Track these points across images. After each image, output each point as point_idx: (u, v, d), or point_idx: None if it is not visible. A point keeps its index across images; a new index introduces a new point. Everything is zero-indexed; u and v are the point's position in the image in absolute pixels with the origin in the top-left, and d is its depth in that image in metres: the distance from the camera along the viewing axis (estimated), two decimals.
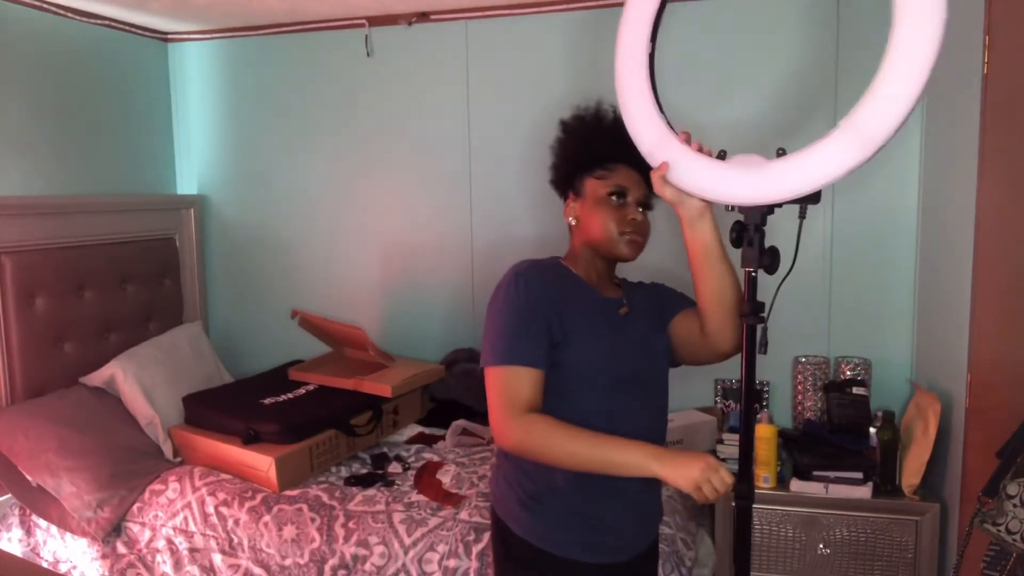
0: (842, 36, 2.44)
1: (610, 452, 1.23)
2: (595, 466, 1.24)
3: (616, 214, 1.39)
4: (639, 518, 1.42)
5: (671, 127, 1.31)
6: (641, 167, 1.39)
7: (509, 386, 1.28)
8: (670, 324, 1.46)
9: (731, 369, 2.62)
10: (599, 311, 1.39)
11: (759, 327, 1.24)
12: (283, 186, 3.07)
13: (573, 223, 1.46)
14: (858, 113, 1.09)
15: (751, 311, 1.22)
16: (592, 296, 1.41)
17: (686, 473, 1.17)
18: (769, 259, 1.22)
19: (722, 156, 1.23)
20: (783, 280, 1.29)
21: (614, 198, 1.40)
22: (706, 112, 2.52)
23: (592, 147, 1.44)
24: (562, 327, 1.32)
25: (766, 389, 2.60)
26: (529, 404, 1.28)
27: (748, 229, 1.21)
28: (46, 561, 2.25)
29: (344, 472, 2.35)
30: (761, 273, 1.24)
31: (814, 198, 1.17)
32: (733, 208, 1.25)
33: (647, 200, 1.43)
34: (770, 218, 1.23)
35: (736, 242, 1.23)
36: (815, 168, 1.13)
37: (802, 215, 1.21)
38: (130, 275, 2.75)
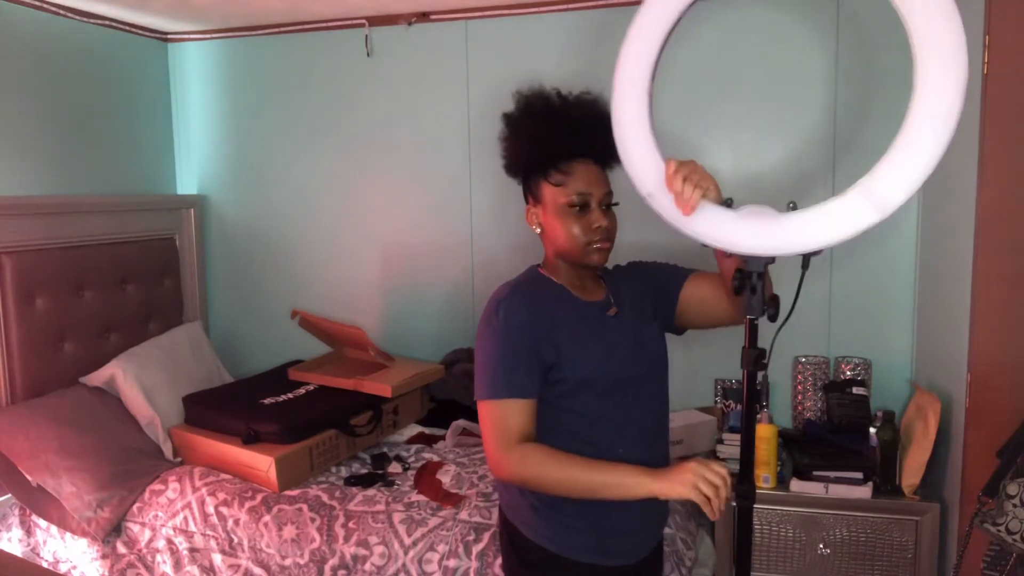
0: (842, 45, 2.44)
1: (605, 475, 1.25)
2: (594, 489, 1.26)
3: (580, 222, 1.33)
4: (647, 520, 1.43)
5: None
6: (598, 158, 1.34)
7: (500, 420, 1.29)
8: (680, 297, 1.43)
9: (731, 369, 2.66)
10: (587, 319, 1.38)
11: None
12: (283, 186, 3.07)
13: (538, 231, 1.42)
14: (875, 179, 1.07)
15: (754, 360, 1.19)
16: (578, 305, 1.39)
17: (679, 477, 1.19)
18: (773, 308, 1.19)
19: (728, 203, 1.21)
20: (781, 327, 1.23)
21: (576, 208, 1.34)
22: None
23: (543, 146, 1.36)
24: (553, 347, 1.31)
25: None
26: (521, 435, 1.29)
27: (751, 277, 1.19)
28: (46, 561, 2.25)
29: (344, 472, 2.35)
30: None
31: (818, 251, 1.15)
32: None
33: (610, 198, 1.37)
34: None
35: (738, 290, 1.20)
36: (827, 227, 1.11)
37: (804, 266, 1.18)
38: (130, 275, 2.75)
